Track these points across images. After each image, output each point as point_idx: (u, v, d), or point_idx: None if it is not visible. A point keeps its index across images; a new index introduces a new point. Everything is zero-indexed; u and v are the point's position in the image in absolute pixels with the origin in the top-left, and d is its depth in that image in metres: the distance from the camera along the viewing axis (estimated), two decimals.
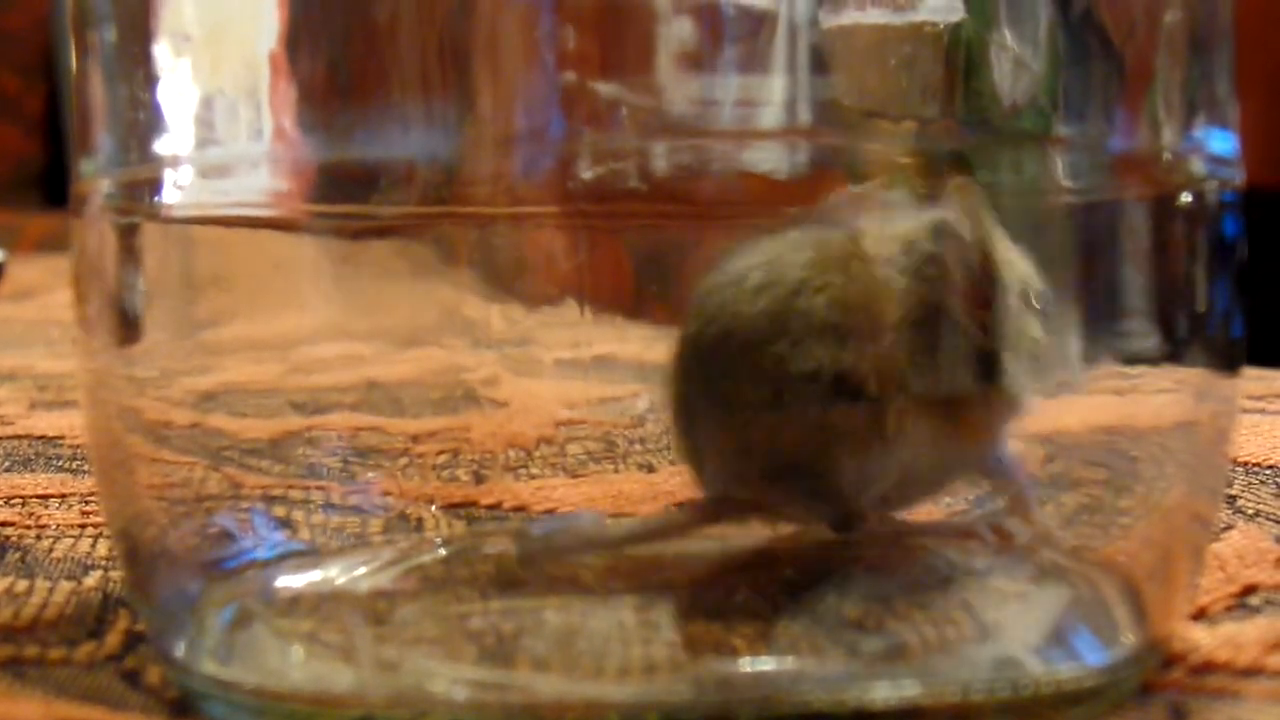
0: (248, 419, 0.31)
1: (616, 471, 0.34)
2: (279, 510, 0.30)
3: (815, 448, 0.28)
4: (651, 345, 0.32)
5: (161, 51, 0.26)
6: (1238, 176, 0.28)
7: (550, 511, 0.33)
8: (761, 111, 0.25)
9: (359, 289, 0.31)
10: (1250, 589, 0.31)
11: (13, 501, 0.39)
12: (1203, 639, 0.28)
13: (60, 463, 0.44)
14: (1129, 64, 0.27)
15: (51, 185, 1.50)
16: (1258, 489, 0.38)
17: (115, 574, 0.33)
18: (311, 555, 0.30)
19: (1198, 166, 0.27)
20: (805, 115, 0.26)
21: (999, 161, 0.28)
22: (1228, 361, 0.28)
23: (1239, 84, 0.27)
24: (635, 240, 0.31)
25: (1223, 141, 0.27)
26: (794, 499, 0.28)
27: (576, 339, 0.32)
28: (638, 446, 0.34)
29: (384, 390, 0.32)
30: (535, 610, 0.28)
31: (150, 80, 0.26)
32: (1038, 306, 0.27)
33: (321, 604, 0.29)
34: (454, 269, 0.31)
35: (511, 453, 0.34)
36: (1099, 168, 0.27)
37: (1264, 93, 0.92)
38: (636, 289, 0.32)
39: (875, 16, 0.27)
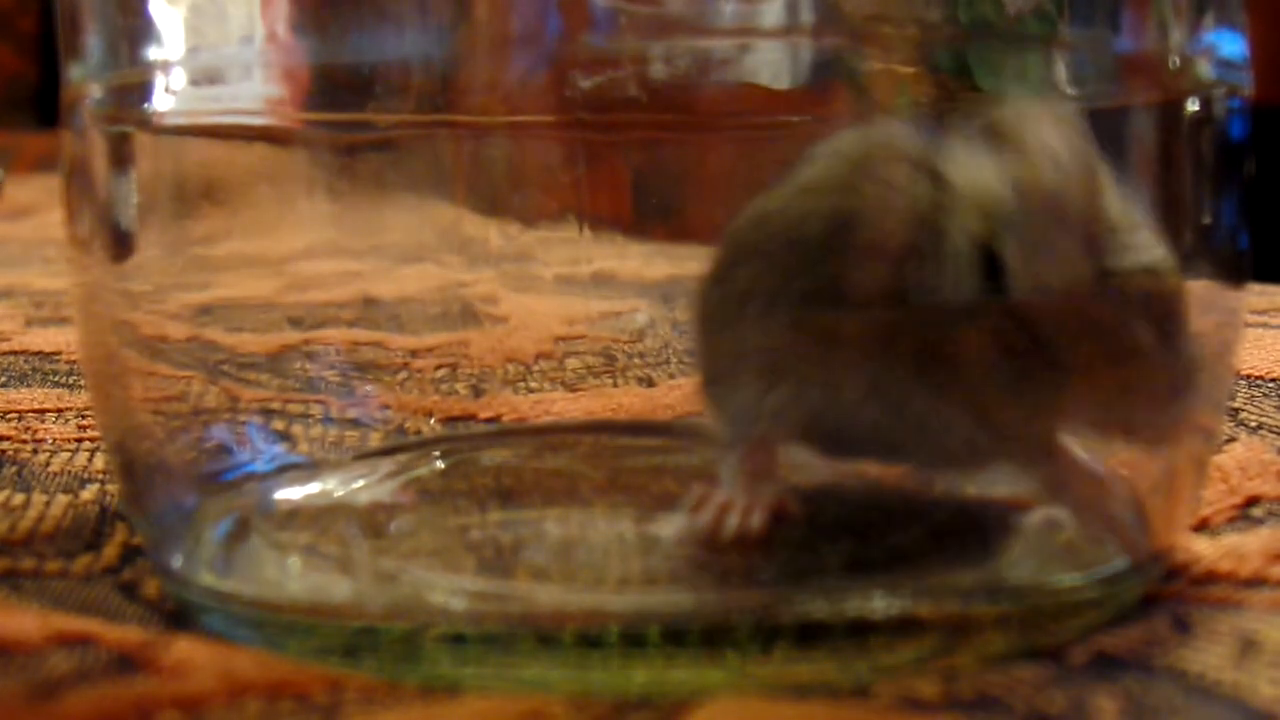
0: (244, 333, 0.31)
1: (615, 386, 0.34)
2: (277, 423, 0.30)
3: None
4: (651, 261, 0.32)
5: None
6: (1247, 81, 0.27)
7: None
8: (762, 10, 0.25)
9: (356, 205, 0.31)
10: (1253, 500, 0.31)
11: (9, 416, 0.39)
12: (1205, 550, 0.28)
13: (57, 378, 0.44)
14: None
15: (46, 105, 1.49)
16: (1260, 402, 0.38)
17: (112, 487, 0.32)
18: (309, 468, 0.30)
19: (1206, 70, 0.27)
20: (807, 16, 0.25)
21: (1003, 67, 0.27)
22: (1233, 273, 0.28)
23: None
24: (634, 156, 0.31)
25: (1232, 44, 0.27)
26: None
27: (575, 255, 0.32)
28: (636, 360, 0.34)
29: (382, 306, 0.32)
30: (534, 522, 0.28)
31: None
32: None
33: (319, 516, 0.29)
34: (452, 185, 0.31)
35: (510, 367, 0.34)
36: (1105, 73, 0.27)
37: (1269, 7, 0.91)
38: (636, 205, 0.31)
39: None
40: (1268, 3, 0.91)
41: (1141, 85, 0.27)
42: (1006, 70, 0.27)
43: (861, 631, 0.24)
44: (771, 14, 0.25)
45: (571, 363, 0.35)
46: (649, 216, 0.31)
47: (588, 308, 0.35)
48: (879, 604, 0.24)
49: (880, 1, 0.26)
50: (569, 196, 0.31)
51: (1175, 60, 0.26)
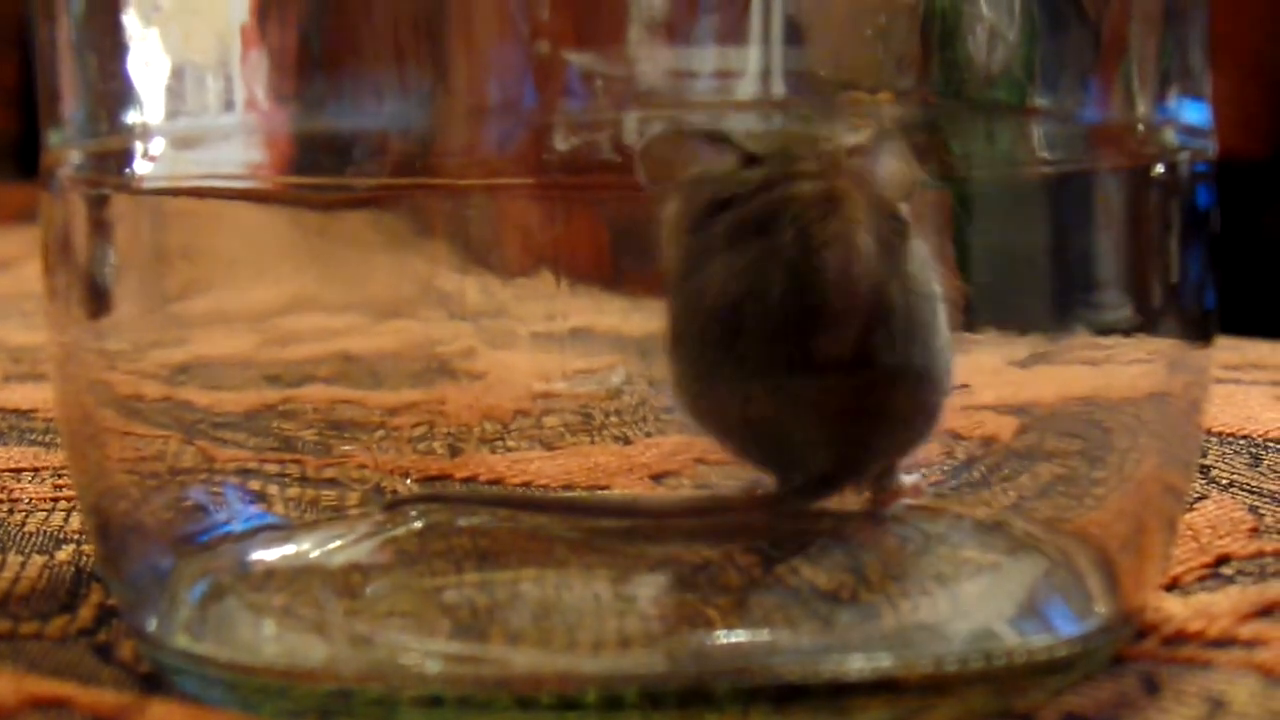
0: (221, 392, 0.31)
1: (593, 444, 0.34)
2: (253, 484, 0.30)
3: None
4: (628, 317, 0.32)
5: (130, 21, 0.26)
6: (1211, 147, 0.28)
7: (526, 484, 0.33)
8: (736, 82, 0.25)
9: (333, 261, 0.31)
10: (1223, 559, 0.31)
11: None
12: (1176, 609, 0.28)
13: (33, 436, 0.43)
14: (1103, 34, 0.27)
15: (26, 156, 1.48)
16: (1231, 459, 0.38)
17: (88, 548, 0.32)
18: (285, 529, 0.30)
19: (1171, 137, 0.27)
20: (779, 87, 0.25)
21: (974, 132, 0.28)
22: (1200, 332, 0.28)
23: (1213, 54, 0.27)
24: (611, 211, 0.31)
25: (1196, 112, 0.27)
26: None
27: (552, 311, 0.32)
28: (614, 419, 0.34)
29: (358, 363, 0.32)
30: (510, 583, 0.28)
31: (119, 50, 0.26)
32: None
33: (295, 578, 0.29)
34: (429, 241, 0.31)
35: (487, 425, 0.34)
36: (1073, 139, 0.27)
37: (1237, 61, 0.92)
38: (612, 260, 0.32)
39: None
40: (1236, 54, 0.92)
41: (1109, 151, 0.27)
42: (977, 135, 0.28)
43: (838, 692, 0.24)
44: (744, 86, 0.25)
45: (549, 420, 0.35)
46: (625, 272, 0.32)
47: (564, 364, 0.35)
48: (855, 665, 0.24)
49: (853, 68, 0.27)
50: (545, 252, 0.31)
51: (1141, 127, 0.27)
